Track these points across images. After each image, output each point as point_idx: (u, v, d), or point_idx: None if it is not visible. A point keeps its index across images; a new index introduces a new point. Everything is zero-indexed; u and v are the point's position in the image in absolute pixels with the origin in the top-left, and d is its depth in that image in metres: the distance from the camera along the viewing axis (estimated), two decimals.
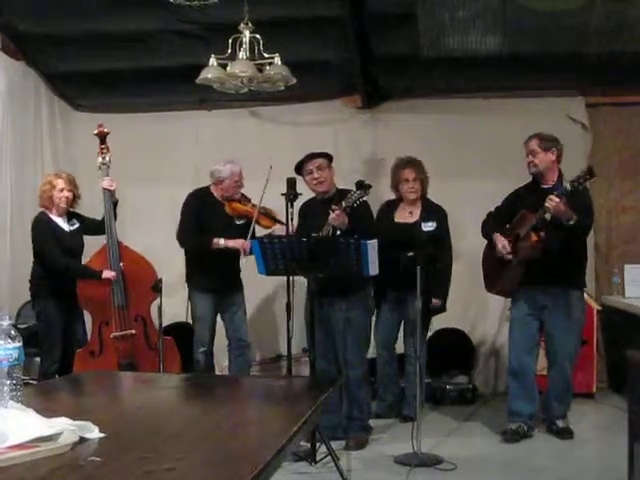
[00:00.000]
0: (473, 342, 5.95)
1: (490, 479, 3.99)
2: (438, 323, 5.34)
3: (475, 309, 5.53)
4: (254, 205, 4.93)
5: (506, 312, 5.27)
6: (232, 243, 4.88)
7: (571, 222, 4.21)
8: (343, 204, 4.20)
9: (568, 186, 4.17)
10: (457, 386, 5.68)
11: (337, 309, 4.46)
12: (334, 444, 4.06)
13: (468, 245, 5.36)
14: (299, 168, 4.56)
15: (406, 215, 5.04)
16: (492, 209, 4.81)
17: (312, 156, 4.54)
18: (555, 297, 4.47)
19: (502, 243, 4.54)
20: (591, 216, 4.48)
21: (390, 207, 5.13)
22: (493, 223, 4.72)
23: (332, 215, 4.22)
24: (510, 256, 4.48)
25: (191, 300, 5.12)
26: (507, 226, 4.60)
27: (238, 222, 5.03)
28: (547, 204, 4.18)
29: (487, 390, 5.82)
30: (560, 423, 4.64)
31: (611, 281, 5.97)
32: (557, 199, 4.14)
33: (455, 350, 5.88)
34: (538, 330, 4.62)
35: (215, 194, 5.05)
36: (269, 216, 4.96)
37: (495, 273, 4.66)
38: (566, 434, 4.59)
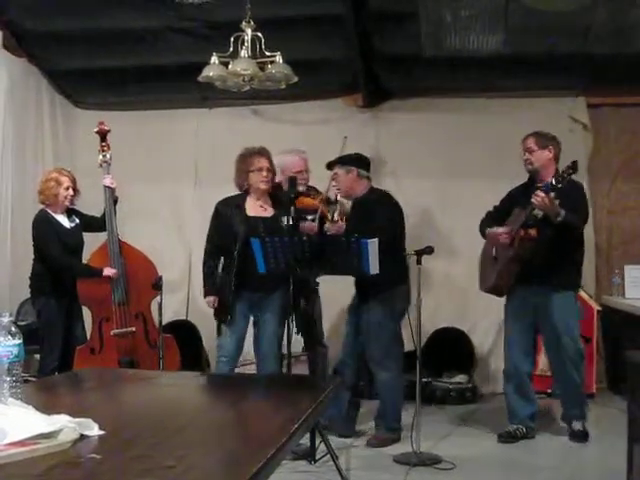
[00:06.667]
0: (473, 341, 5.95)
1: (489, 479, 3.99)
2: (438, 323, 5.34)
3: (475, 308, 5.52)
4: (321, 198, 4.67)
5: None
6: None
7: (558, 219, 4.17)
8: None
9: (553, 181, 4.14)
10: (457, 385, 5.68)
11: (364, 310, 4.51)
12: (336, 442, 4.06)
13: (468, 244, 5.35)
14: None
15: (258, 209, 4.50)
16: (491, 209, 4.80)
17: (329, 165, 4.59)
18: (547, 298, 4.40)
19: (498, 230, 4.48)
20: (582, 214, 4.41)
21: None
22: (489, 221, 4.70)
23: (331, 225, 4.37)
24: (507, 239, 4.39)
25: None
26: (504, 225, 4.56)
27: (309, 217, 4.60)
28: (532, 199, 4.16)
29: (487, 389, 5.81)
30: (576, 425, 4.50)
31: (611, 281, 5.97)
32: (542, 194, 4.11)
33: (455, 349, 5.89)
34: (533, 330, 4.58)
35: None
36: (328, 202, 4.73)
37: (488, 271, 4.63)
38: (580, 437, 4.46)
